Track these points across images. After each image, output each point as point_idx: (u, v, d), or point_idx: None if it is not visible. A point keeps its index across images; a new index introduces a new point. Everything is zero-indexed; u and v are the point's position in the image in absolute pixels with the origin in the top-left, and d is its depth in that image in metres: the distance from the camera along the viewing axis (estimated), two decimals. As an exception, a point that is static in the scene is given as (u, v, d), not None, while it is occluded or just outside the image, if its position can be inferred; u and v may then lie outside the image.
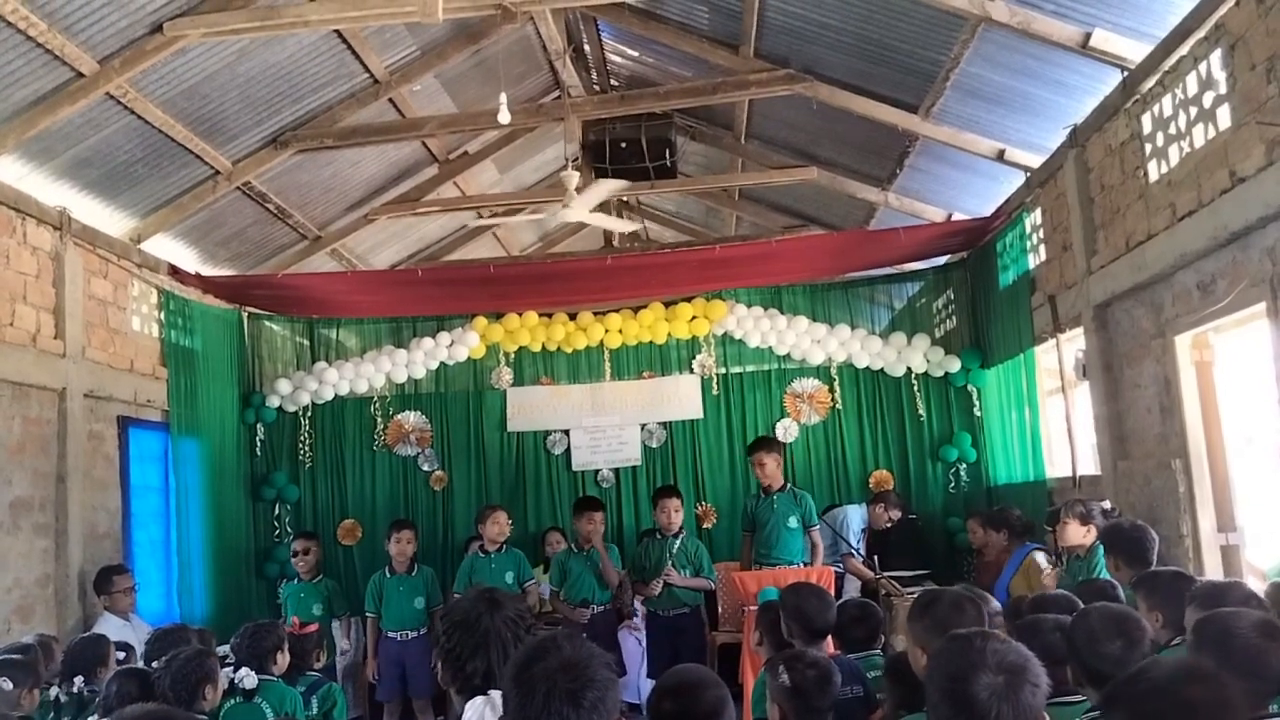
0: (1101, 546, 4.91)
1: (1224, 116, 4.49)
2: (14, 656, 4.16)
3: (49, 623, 5.91)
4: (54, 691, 4.21)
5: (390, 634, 6.86)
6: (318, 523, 8.32)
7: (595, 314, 8.58)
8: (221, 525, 7.76)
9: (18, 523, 5.82)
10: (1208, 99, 4.62)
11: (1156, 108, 5.10)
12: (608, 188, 7.69)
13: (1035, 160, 6.89)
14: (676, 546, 6.70)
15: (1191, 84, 4.76)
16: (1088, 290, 5.98)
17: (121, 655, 4.80)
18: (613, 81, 9.52)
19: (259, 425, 8.46)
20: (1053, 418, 6.99)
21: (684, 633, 6.62)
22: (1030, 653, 2.02)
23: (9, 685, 3.90)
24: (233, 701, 4.30)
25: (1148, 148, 5.20)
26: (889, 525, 7.37)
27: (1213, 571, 4.90)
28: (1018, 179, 7.23)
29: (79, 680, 4.29)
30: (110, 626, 5.71)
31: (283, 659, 4.56)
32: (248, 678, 4.35)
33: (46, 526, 6.08)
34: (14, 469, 5.82)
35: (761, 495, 6.83)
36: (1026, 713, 1.91)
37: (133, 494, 7.05)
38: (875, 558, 6.82)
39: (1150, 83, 5.12)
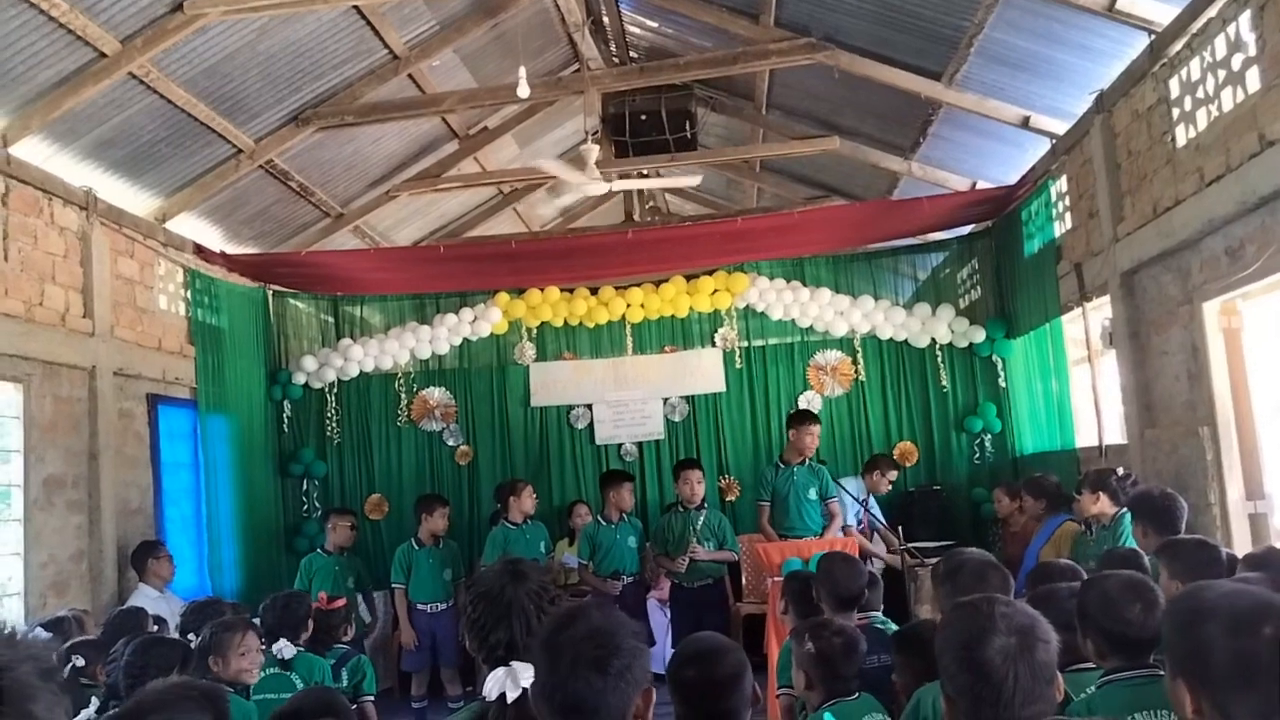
0: (1126, 515, 4.89)
1: (1253, 79, 4.41)
2: (89, 638, 4.31)
3: (83, 597, 6.01)
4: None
5: (420, 606, 6.97)
6: (345, 498, 8.41)
7: (617, 288, 8.60)
8: (251, 501, 7.86)
9: (51, 499, 5.92)
10: (1236, 61, 4.54)
11: (1184, 71, 5.03)
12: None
13: (1061, 127, 6.81)
14: (701, 521, 6.73)
15: (1220, 46, 4.68)
16: (1114, 258, 5.92)
17: (154, 629, 4.88)
18: (632, 53, 9.46)
19: (286, 402, 8.55)
20: (1078, 387, 6.94)
21: (708, 604, 6.66)
22: (1037, 612, 2.04)
23: (81, 662, 4.03)
24: (265, 672, 4.38)
25: (1175, 112, 5.13)
26: (905, 489, 7.39)
27: (1240, 540, 4.87)
28: (1043, 146, 7.15)
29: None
30: (145, 599, 5.82)
31: (307, 630, 4.64)
32: (286, 648, 4.43)
33: (80, 503, 6.18)
34: (46, 447, 5.91)
35: (781, 466, 6.85)
36: (1042, 670, 1.93)
37: (163, 470, 7.14)
38: (899, 528, 6.82)
39: (1178, 46, 5.04)
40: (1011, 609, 2.01)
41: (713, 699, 2.26)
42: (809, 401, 8.40)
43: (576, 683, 1.73)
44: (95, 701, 3.45)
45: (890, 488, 7.50)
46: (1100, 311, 6.49)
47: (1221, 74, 4.67)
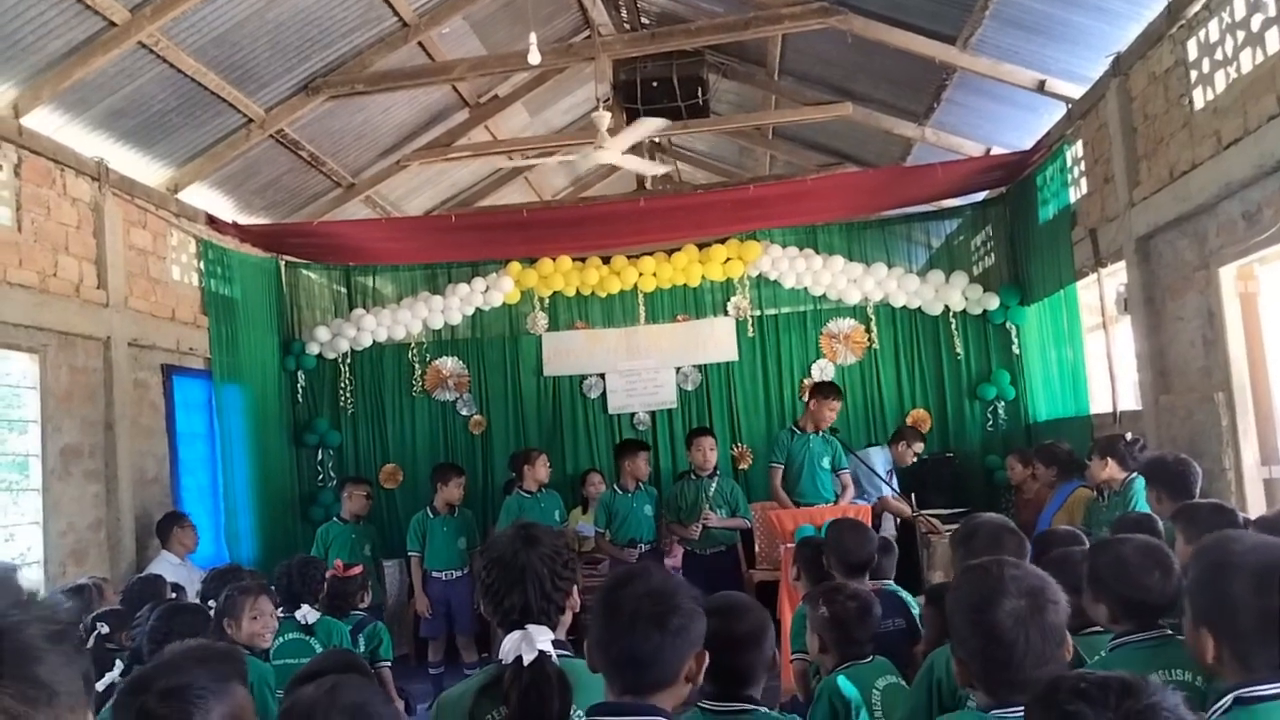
0: (1137, 479, 4.89)
1: (1273, 40, 4.36)
2: (113, 607, 4.40)
3: (102, 566, 6.08)
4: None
5: (435, 574, 7.02)
6: (360, 467, 8.46)
7: (629, 257, 8.58)
8: (266, 471, 7.91)
9: (69, 469, 5.97)
10: (1256, 22, 4.48)
11: (1202, 33, 4.96)
12: (646, 128, 7.61)
13: (1076, 91, 6.73)
14: (713, 488, 6.75)
15: (1239, 7, 4.62)
16: (1130, 222, 5.87)
17: (173, 596, 4.94)
18: (643, 19, 9.38)
19: (300, 372, 8.59)
20: (1093, 354, 6.91)
21: (721, 571, 6.68)
22: (1045, 573, 2.06)
23: (106, 629, 4.11)
24: (283, 638, 4.43)
25: (1193, 74, 5.07)
26: (916, 460, 7.39)
27: (1255, 504, 4.86)
28: (1058, 110, 7.07)
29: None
30: (166, 567, 5.89)
31: (322, 595, 4.69)
32: (309, 613, 4.48)
33: (97, 472, 6.23)
34: (63, 417, 5.96)
35: (796, 431, 6.84)
36: (1052, 632, 1.94)
37: (179, 440, 7.20)
38: (913, 496, 6.83)
39: (1196, 7, 4.97)
40: (1021, 571, 2.03)
41: (730, 653, 2.27)
42: (822, 370, 8.39)
43: (634, 636, 1.80)
44: (120, 665, 3.51)
45: (915, 459, 7.48)
46: (1115, 277, 6.45)
47: (1240, 35, 4.61)
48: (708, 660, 1.90)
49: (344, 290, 8.93)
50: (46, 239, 5.92)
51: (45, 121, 6.11)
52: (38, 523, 5.76)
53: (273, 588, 4.37)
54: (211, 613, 3.97)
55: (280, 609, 4.30)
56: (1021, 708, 1.86)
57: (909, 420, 8.23)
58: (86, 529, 6.10)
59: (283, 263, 8.66)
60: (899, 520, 7.13)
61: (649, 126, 7.62)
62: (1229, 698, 1.84)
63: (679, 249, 8.51)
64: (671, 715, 1.85)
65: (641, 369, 8.62)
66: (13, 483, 5.97)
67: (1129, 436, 5.32)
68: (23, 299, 5.60)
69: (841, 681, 2.95)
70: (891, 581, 4.33)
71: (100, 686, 3.36)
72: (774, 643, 2.44)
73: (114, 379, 6.35)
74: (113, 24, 5.79)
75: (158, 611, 3.70)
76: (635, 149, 8.09)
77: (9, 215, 5.68)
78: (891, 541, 4.56)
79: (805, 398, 7.40)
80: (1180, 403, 5.51)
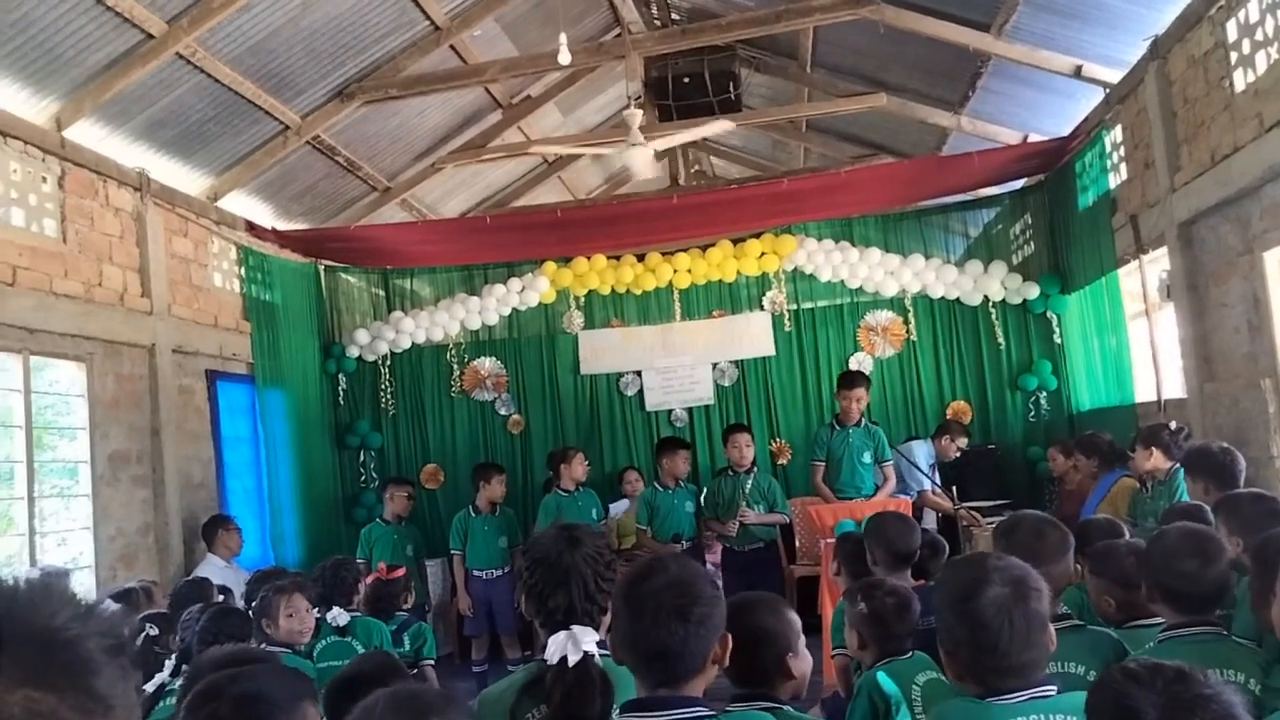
0: (1181, 470, 4.81)
1: (1315, 18, 4.27)
2: (161, 610, 4.47)
3: (151, 569, 6.19)
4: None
5: (476, 573, 7.07)
6: (401, 468, 8.54)
7: (663, 254, 8.58)
8: (309, 473, 8.01)
9: (117, 475, 6.09)
10: (1298, 0, 4.39)
11: (1242, 13, 4.86)
12: (713, 127, 7.60)
13: (1114, 75, 6.64)
14: (750, 484, 6.73)
15: (1280, -15, 4.53)
16: (1171, 208, 5.78)
17: (220, 599, 5.01)
18: (673, 15, 9.37)
19: (340, 375, 8.68)
20: (1136, 342, 6.81)
21: (760, 566, 6.66)
22: (1028, 565, 2.09)
23: (155, 631, 4.17)
24: (325, 641, 4.49)
25: (1233, 56, 4.97)
26: (959, 454, 7.32)
27: (1305, 493, 4.77)
28: (1096, 96, 6.97)
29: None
30: (213, 569, 5.98)
31: (359, 594, 4.74)
32: (340, 615, 4.52)
33: (144, 478, 6.35)
34: (110, 424, 6.07)
35: (836, 427, 6.80)
36: (1035, 618, 1.99)
37: (224, 445, 7.31)
38: (954, 489, 6.77)
39: (1235, -14, 4.88)
40: (1005, 562, 2.07)
41: (743, 652, 2.28)
42: (860, 363, 8.33)
43: (660, 631, 1.82)
44: (169, 665, 3.58)
45: (959, 454, 7.41)
46: (1157, 264, 6.35)
47: (1281, 14, 4.52)
48: (730, 643, 1.92)
49: (382, 293, 9.02)
50: (91, 249, 6.03)
51: (87, 134, 6.23)
52: (88, 528, 5.87)
53: (308, 584, 4.41)
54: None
55: (316, 610, 4.37)
56: (1011, 695, 1.94)
57: (950, 413, 8.16)
58: (135, 533, 6.21)
59: (321, 267, 8.76)
60: (940, 515, 7.07)
61: (716, 126, 7.59)
62: None
63: (714, 245, 8.50)
64: (706, 702, 1.87)
65: (678, 366, 8.61)
66: (64, 489, 6.11)
67: (1174, 425, 5.23)
68: (69, 309, 5.72)
69: (881, 677, 2.93)
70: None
71: (149, 688, 3.43)
72: (792, 638, 2.42)
73: (159, 385, 6.46)
74: (150, 36, 5.88)
75: (208, 613, 3.77)
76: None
77: (54, 227, 5.80)
78: (942, 542, 4.50)
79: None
80: (1225, 390, 5.42)
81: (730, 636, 1.92)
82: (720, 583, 6.84)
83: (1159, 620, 2.74)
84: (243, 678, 1.88)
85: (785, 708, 2.32)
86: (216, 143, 7.27)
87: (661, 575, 1.88)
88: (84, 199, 6.04)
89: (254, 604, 4.13)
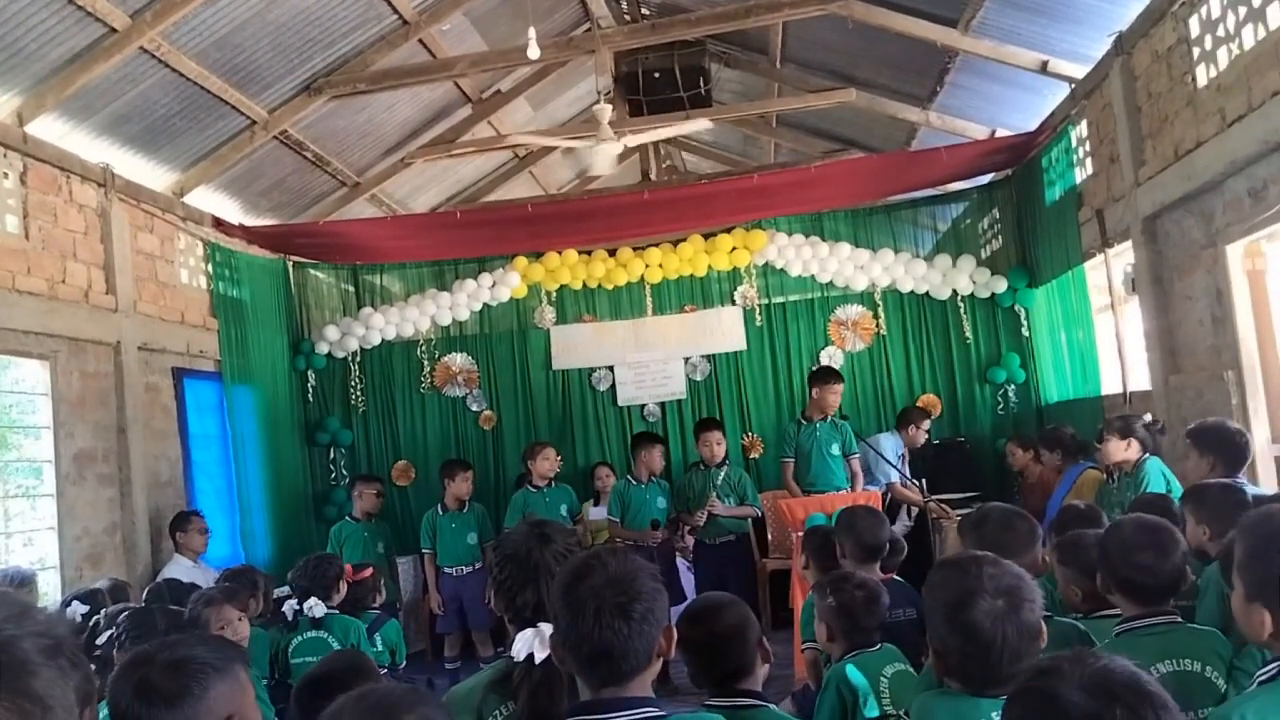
0: (1149, 461, 4.87)
1: (1275, 15, 4.32)
2: (131, 605, 4.37)
3: (118, 569, 6.12)
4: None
5: (447, 570, 7.04)
6: (372, 465, 8.49)
7: (635, 249, 8.58)
8: (279, 471, 7.95)
9: (82, 473, 6.01)
10: (1258, -3, 4.45)
11: (1204, 9, 4.92)
12: (689, 126, 7.58)
13: (1080, 71, 6.70)
14: (720, 477, 6.76)
15: (1241, -18, 4.58)
16: (1136, 202, 5.84)
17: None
18: (643, 10, 9.36)
19: (310, 372, 8.62)
20: (1102, 335, 6.89)
21: (732, 560, 6.70)
22: (1022, 570, 2.08)
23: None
24: (301, 636, 4.46)
25: (1195, 52, 5.04)
26: (928, 437, 7.37)
27: (1267, 483, 4.84)
28: (1062, 91, 7.04)
29: None
30: (180, 569, 5.92)
31: (340, 593, 4.70)
32: (316, 607, 4.49)
33: (110, 477, 6.28)
34: (75, 422, 6.00)
35: (803, 423, 6.84)
36: (1029, 629, 1.98)
37: (192, 443, 7.24)
38: (923, 480, 6.82)
39: (1198, -18, 4.94)
40: (999, 569, 2.04)
41: (718, 655, 2.29)
42: (830, 357, 8.37)
43: (603, 632, 1.75)
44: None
45: (927, 437, 7.46)
46: (1123, 258, 6.43)
47: (1242, 10, 4.57)
48: (675, 635, 1.86)
49: (352, 289, 8.96)
50: (54, 246, 5.95)
51: (50, 129, 6.14)
52: (53, 528, 5.80)
53: (241, 590, 4.30)
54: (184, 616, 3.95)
55: (295, 602, 4.34)
56: (1000, 691, 1.88)
57: (919, 405, 8.21)
58: (102, 533, 6.14)
59: (290, 263, 8.69)
60: (914, 511, 7.11)
61: (694, 124, 7.59)
62: (1275, 665, 1.83)
63: (685, 239, 8.51)
64: (656, 700, 1.82)
65: (650, 361, 8.62)
66: (28, 488, 6.02)
67: (1149, 417, 5.28)
68: (32, 306, 5.64)
69: (850, 670, 2.96)
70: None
71: None
72: (759, 633, 2.45)
73: (125, 383, 6.39)
74: (114, 30, 5.80)
75: (127, 616, 3.68)
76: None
77: (16, 223, 5.71)
78: (902, 542, 4.53)
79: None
80: (1190, 382, 5.49)
81: (674, 629, 1.86)
82: (694, 576, 6.92)
83: (1115, 610, 2.77)
84: (172, 644, 1.85)
85: (770, 705, 2.33)
86: (182, 138, 7.18)
87: (600, 572, 1.80)
88: (47, 195, 5.96)
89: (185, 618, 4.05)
